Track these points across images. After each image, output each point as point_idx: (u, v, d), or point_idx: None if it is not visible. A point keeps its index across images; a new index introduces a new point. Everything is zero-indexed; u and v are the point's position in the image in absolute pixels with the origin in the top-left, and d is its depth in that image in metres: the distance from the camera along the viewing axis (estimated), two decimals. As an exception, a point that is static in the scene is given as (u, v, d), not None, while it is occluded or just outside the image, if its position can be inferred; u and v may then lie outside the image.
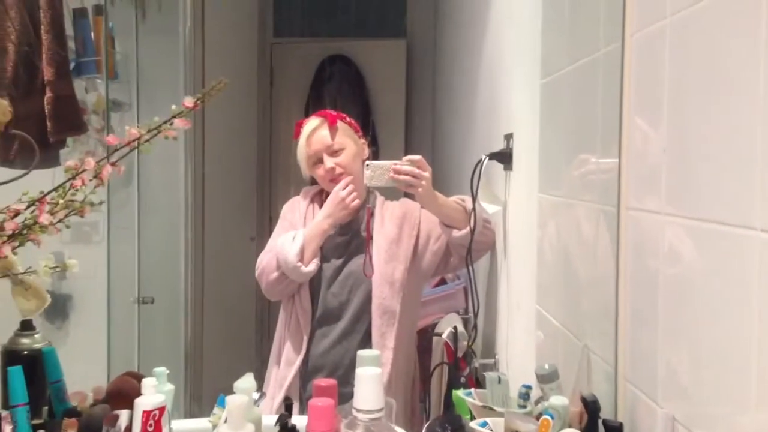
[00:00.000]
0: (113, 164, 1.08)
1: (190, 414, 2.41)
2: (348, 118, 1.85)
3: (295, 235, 1.72)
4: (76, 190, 1.06)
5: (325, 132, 1.78)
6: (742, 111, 0.73)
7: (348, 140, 1.79)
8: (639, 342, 0.99)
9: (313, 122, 1.81)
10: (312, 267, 1.71)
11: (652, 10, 0.95)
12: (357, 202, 1.75)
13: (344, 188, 1.74)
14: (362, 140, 1.85)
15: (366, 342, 1.73)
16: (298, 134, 1.84)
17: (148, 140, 1.08)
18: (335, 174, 1.76)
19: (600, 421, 1.01)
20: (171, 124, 1.07)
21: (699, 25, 0.83)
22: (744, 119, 0.73)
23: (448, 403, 1.29)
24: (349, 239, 1.79)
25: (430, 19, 4.11)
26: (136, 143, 1.09)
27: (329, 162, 1.76)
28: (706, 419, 0.80)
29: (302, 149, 1.81)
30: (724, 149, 0.77)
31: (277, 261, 1.72)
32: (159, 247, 2.59)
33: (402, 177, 1.60)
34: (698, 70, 0.83)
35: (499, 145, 1.77)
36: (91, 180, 1.07)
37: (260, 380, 1.88)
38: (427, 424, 1.24)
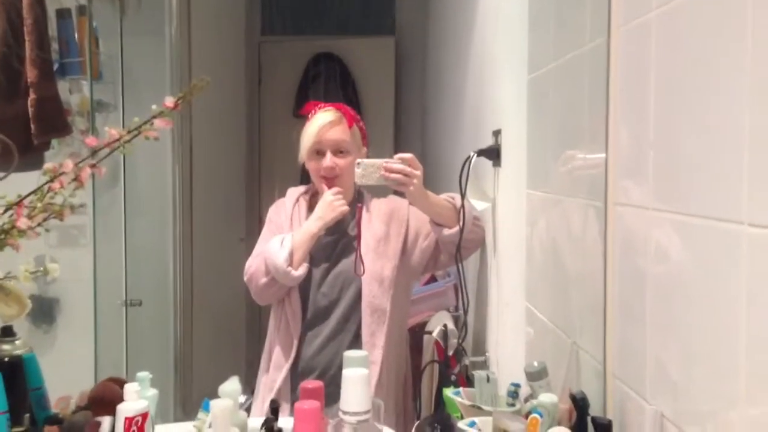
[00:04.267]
0: (93, 166, 1.06)
1: (179, 418, 2.39)
2: (362, 123, 1.82)
3: (283, 239, 1.70)
4: (55, 193, 1.04)
5: (340, 129, 1.74)
6: (729, 104, 0.72)
7: (354, 146, 1.76)
8: (627, 338, 0.99)
9: (331, 114, 1.76)
10: (302, 271, 1.69)
11: (637, 4, 0.94)
12: (346, 207, 1.73)
13: (334, 194, 1.72)
14: (365, 149, 1.82)
15: (356, 341, 1.72)
16: (307, 112, 1.80)
17: (128, 141, 1.06)
18: (333, 173, 1.74)
19: (589, 419, 1.01)
20: (151, 124, 1.05)
21: (685, 17, 0.82)
22: (730, 113, 0.72)
23: (439, 401, 1.28)
24: (336, 239, 1.78)
25: (418, 16, 4.10)
26: (116, 144, 1.07)
27: (331, 160, 1.73)
28: (695, 415, 0.80)
29: (309, 136, 1.75)
30: (710, 143, 0.76)
31: (266, 266, 1.69)
32: (147, 249, 2.56)
33: (393, 175, 1.59)
34: (685, 64, 0.82)
35: (488, 142, 1.76)
36: (70, 183, 1.05)
37: (250, 383, 1.86)
38: (417, 423, 1.23)
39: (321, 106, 1.80)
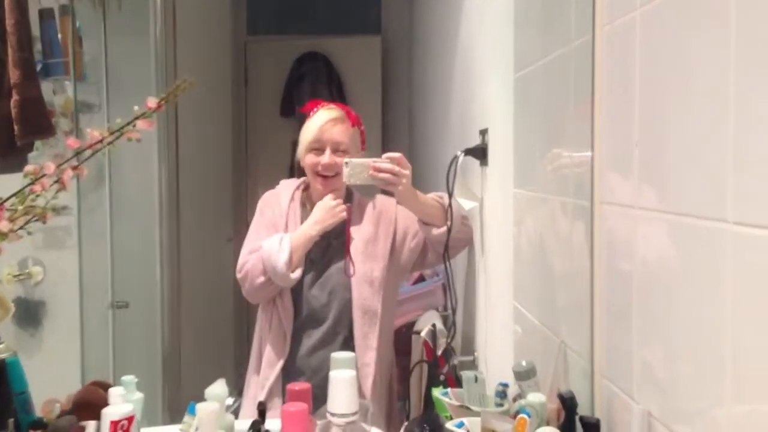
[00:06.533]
0: (75, 168, 1.05)
1: (167, 421, 2.38)
2: (363, 126, 1.82)
3: (281, 240, 1.69)
4: (37, 195, 1.03)
5: (341, 128, 1.74)
6: (714, 102, 0.72)
7: (353, 147, 1.76)
8: (614, 338, 0.99)
9: (334, 112, 1.76)
10: (298, 273, 1.69)
11: (622, 2, 0.94)
12: (345, 215, 1.72)
13: (334, 199, 1.72)
14: (363, 152, 1.82)
15: (349, 344, 1.71)
16: (309, 110, 1.79)
17: (111, 143, 1.04)
18: (331, 171, 1.73)
19: (577, 418, 1.01)
20: (134, 125, 1.04)
21: (669, 16, 0.82)
22: (715, 111, 0.72)
23: (428, 401, 1.28)
24: (327, 241, 1.77)
25: (405, 15, 4.10)
26: (98, 146, 1.05)
27: (330, 157, 1.72)
28: (682, 414, 0.80)
29: (311, 132, 1.74)
30: (695, 142, 0.76)
31: (263, 266, 1.68)
32: (133, 250, 2.54)
33: (382, 175, 1.58)
34: (669, 62, 0.82)
35: (475, 141, 1.76)
36: (52, 185, 1.04)
37: (238, 385, 1.85)
38: (405, 424, 1.23)
39: (323, 105, 1.79)
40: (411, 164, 1.63)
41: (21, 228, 1.03)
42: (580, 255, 1.08)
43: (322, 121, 1.73)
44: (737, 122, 0.68)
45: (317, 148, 1.73)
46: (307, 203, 1.81)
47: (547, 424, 1.01)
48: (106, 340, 2.39)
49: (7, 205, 1.02)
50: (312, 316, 1.73)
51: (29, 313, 2.43)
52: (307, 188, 1.83)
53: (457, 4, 2.19)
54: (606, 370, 1.01)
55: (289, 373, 1.73)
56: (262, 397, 1.70)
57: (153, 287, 2.57)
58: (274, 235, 1.71)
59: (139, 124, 1.03)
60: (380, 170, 1.58)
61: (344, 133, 1.74)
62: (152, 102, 1.04)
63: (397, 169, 1.59)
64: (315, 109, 1.78)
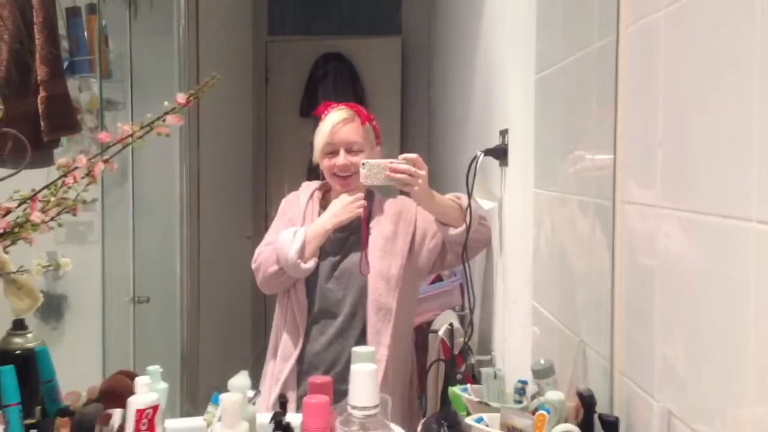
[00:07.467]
0: (106, 161, 1.07)
1: (186, 413, 2.40)
2: (375, 122, 1.83)
3: (296, 232, 1.71)
4: (69, 188, 1.05)
5: (352, 128, 1.76)
6: (738, 102, 0.72)
7: (367, 144, 1.77)
8: (635, 336, 0.99)
9: (343, 112, 1.78)
10: (311, 264, 1.71)
11: (646, 2, 0.95)
12: (362, 210, 1.74)
13: (356, 199, 1.74)
14: (378, 148, 1.83)
15: (362, 339, 1.73)
16: (320, 113, 1.81)
17: (141, 137, 1.07)
18: (347, 171, 1.75)
19: (596, 416, 1.01)
20: (163, 120, 1.06)
21: (693, 16, 0.82)
22: (739, 111, 0.72)
23: (445, 399, 1.29)
24: (346, 236, 1.79)
25: (424, 16, 4.10)
26: (128, 140, 1.08)
27: (344, 158, 1.75)
28: (703, 413, 0.80)
29: (323, 135, 1.77)
30: (719, 141, 0.76)
31: (276, 256, 1.71)
32: (154, 246, 2.57)
33: (398, 176, 1.59)
34: (693, 62, 0.83)
35: (495, 141, 1.77)
36: (83, 177, 1.06)
37: (256, 378, 1.87)
38: (424, 420, 1.24)
39: (333, 106, 1.81)
40: (430, 164, 1.64)
41: (52, 219, 1.05)
42: (601, 254, 1.09)
43: (333, 123, 1.75)
44: (762, 121, 0.68)
45: (331, 150, 1.76)
46: (328, 204, 1.84)
47: (566, 421, 1.02)
48: (126, 335, 2.42)
49: (39, 196, 1.04)
50: (327, 310, 1.75)
51: (51, 307, 2.46)
52: (328, 190, 1.86)
53: (478, 6, 2.19)
54: (626, 369, 1.01)
55: (303, 367, 1.75)
56: (276, 391, 1.72)
57: (173, 283, 2.60)
58: (290, 228, 1.74)
59: (169, 119, 1.06)
60: (397, 171, 1.59)
61: (356, 132, 1.75)
62: (181, 98, 1.07)
63: (413, 169, 1.60)
64: (326, 112, 1.80)
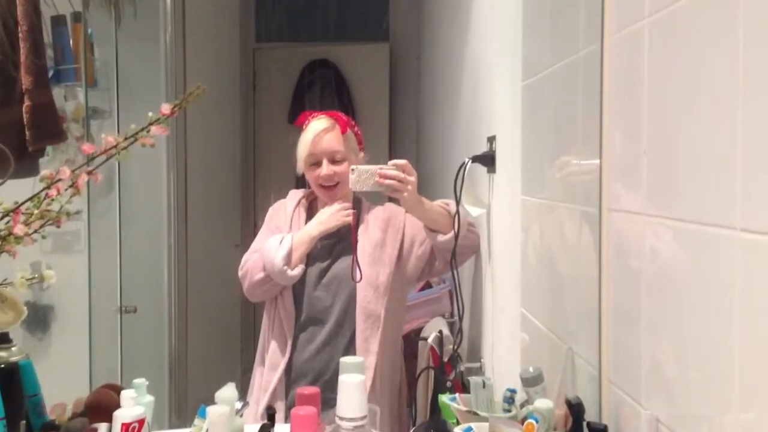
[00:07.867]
0: (90, 172, 1.06)
1: (173, 425, 2.39)
2: (356, 128, 1.83)
3: (282, 239, 1.71)
4: (52, 200, 1.04)
5: (332, 137, 1.76)
6: (722, 111, 0.73)
7: (350, 152, 1.77)
8: (622, 344, 0.99)
9: (323, 122, 1.78)
10: (297, 271, 1.71)
11: (630, 11, 0.95)
12: (350, 219, 1.74)
13: (344, 208, 1.74)
14: (362, 153, 1.83)
15: (350, 346, 1.72)
16: (301, 123, 1.81)
17: (125, 148, 1.06)
18: (332, 181, 1.75)
19: (585, 424, 1.01)
20: (148, 131, 1.05)
21: (677, 24, 0.83)
22: (723, 119, 0.72)
23: (434, 407, 1.29)
24: (333, 243, 1.78)
25: (412, 23, 4.11)
26: (112, 152, 1.07)
27: (328, 169, 1.75)
28: (690, 420, 0.80)
29: (305, 146, 1.77)
30: (703, 149, 0.77)
31: (263, 263, 1.71)
32: (141, 255, 2.56)
33: (387, 182, 1.59)
34: (677, 71, 0.83)
35: (482, 148, 1.77)
36: (66, 189, 1.05)
37: (245, 388, 1.86)
38: (413, 429, 1.24)
39: (314, 116, 1.81)
40: (418, 171, 1.64)
41: (35, 232, 1.04)
42: (588, 261, 1.09)
43: (313, 133, 1.76)
44: (745, 130, 0.68)
45: (314, 162, 1.76)
46: (314, 212, 1.83)
47: (555, 429, 1.02)
48: (114, 345, 2.40)
49: (22, 209, 1.03)
50: (315, 318, 1.75)
51: (38, 318, 2.45)
52: (315, 198, 1.86)
53: (465, 13, 2.20)
54: (613, 376, 1.01)
55: (291, 376, 1.74)
56: (264, 400, 1.71)
57: (161, 292, 2.59)
58: (277, 235, 1.74)
59: (153, 129, 1.05)
60: (386, 177, 1.59)
61: (337, 140, 1.75)
62: (166, 108, 1.06)
63: (402, 175, 1.60)
64: (306, 122, 1.80)
